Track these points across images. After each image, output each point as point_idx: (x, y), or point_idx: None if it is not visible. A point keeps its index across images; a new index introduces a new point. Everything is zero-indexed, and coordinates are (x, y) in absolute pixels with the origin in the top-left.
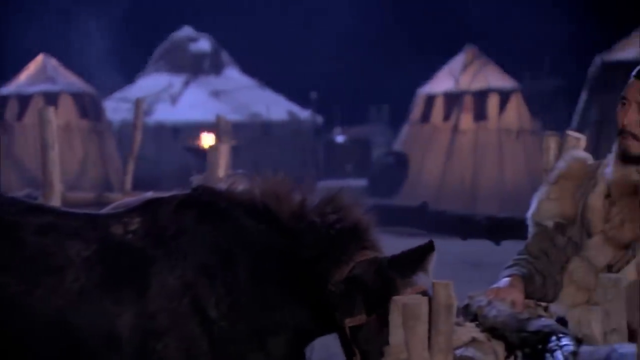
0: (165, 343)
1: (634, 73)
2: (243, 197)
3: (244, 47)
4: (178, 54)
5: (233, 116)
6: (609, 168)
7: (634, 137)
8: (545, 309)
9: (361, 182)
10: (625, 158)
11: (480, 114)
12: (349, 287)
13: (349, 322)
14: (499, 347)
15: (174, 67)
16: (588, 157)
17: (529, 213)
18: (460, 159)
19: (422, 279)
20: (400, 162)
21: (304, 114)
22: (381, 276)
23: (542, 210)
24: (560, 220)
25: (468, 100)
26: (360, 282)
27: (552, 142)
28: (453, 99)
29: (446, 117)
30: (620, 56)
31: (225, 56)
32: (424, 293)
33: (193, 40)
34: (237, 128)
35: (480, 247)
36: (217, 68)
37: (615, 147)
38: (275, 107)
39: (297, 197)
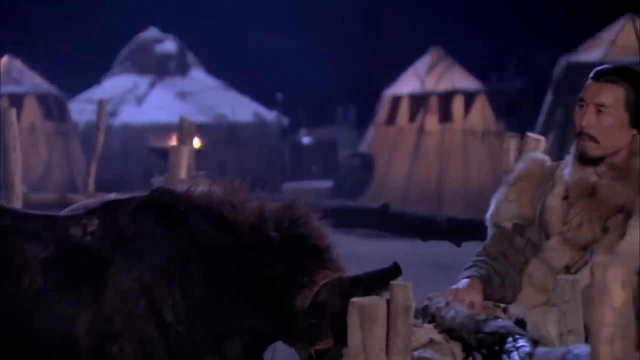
0: (121, 345)
1: (591, 75)
2: (201, 201)
3: (209, 49)
4: (144, 55)
5: (199, 117)
6: (567, 169)
7: (592, 138)
8: (504, 310)
9: (327, 184)
10: (583, 159)
11: (445, 115)
12: (315, 314)
13: (316, 347)
14: (457, 348)
15: (140, 68)
16: (546, 159)
17: (488, 214)
18: (426, 160)
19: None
20: (366, 163)
21: (270, 115)
22: (347, 299)
23: (500, 211)
24: (518, 221)
25: (433, 102)
26: (326, 309)
27: (512, 144)
28: (418, 101)
29: (412, 119)
30: (586, 57)
31: (190, 57)
32: None
33: (159, 41)
34: (203, 129)
35: (441, 248)
36: (182, 69)
37: (573, 149)
38: (241, 108)
39: (253, 206)
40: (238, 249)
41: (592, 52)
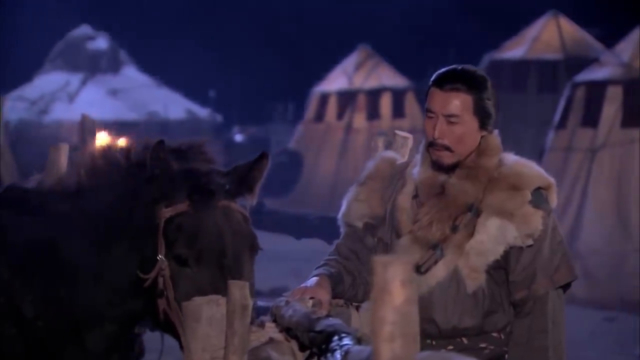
0: None
1: (434, 81)
2: (54, 189)
3: (141, 46)
4: (75, 52)
5: (131, 115)
6: (417, 168)
7: (446, 148)
8: (357, 308)
9: None
10: (440, 168)
11: (373, 113)
12: (177, 176)
13: (168, 212)
14: (297, 347)
15: (72, 65)
16: (397, 157)
17: (339, 214)
18: (354, 158)
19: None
20: (294, 160)
21: (203, 112)
22: (213, 175)
23: (351, 211)
24: (369, 220)
25: (361, 99)
26: (189, 173)
27: (379, 142)
28: (346, 98)
29: (340, 116)
30: (508, 55)
31: (123, 54)
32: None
33: (91, 38)
34: (135, 127)
35: (313, 246)
36: (114, 66)
37: (422, 149)
38: (173, 105)
39: (102, 183)
40: (93, 231)
41: (516, 50)
